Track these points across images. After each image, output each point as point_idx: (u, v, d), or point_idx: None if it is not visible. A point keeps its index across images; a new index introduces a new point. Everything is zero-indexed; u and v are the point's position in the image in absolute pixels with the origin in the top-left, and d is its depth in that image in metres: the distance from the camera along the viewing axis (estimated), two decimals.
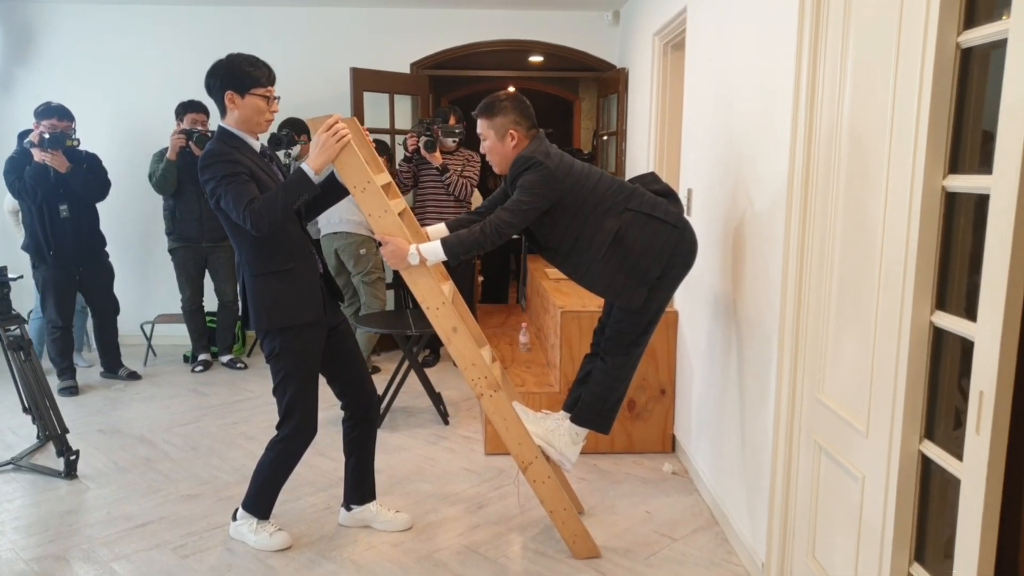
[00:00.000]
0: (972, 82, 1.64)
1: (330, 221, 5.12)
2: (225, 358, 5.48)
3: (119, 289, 5.24)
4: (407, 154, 5.14)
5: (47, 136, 4.53)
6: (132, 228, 5.96)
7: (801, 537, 2.41)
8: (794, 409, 2.43)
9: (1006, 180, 1.41)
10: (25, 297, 5.55)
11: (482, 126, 2.83)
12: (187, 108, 5.08)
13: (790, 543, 2.49)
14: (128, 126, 5.90)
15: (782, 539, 2.51)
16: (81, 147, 4.75)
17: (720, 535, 3.06)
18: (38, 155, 4.55)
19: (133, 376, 5.18)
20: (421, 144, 4.98)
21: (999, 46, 1.52)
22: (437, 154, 5.01)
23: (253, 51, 2.79)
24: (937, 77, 1.66)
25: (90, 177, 4.75)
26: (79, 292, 5.00)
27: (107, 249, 5.07)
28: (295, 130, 5.11)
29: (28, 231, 4.77)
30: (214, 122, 4.64)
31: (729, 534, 3.02)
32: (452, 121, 5.19)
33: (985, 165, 1.57)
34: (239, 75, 2.69)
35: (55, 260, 4.74)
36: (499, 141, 2.81)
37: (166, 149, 5.07)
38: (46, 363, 4.93)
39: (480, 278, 6.79)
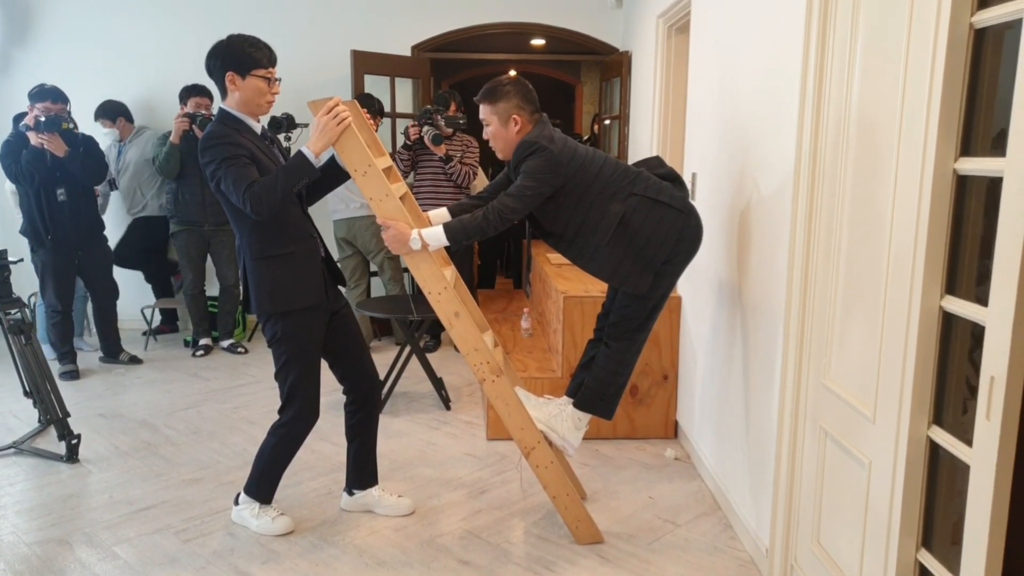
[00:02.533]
0: (985, 63, 1.61)
1: (349, 206, 5.14)
2: (226, 343, 5.47)
3: (120, 273, 5.22)
4: (407, 142, 5.11)
5: (42, 119, 4.48)
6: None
7: (805, 523, 2.40)
8: (799, 394, 2.41)
9: (1020, 162, 1.39)
10: (24, 281, 5.53)
11: (485, 111, 2.80)
12: (191, 92, 5.04)
13: (794, 529, 2.48)
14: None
15: (786, 525, 2.50)
16: (77, 129, 4.70)
17: (723, 521, 3.06)
18: (35, 139, 4.51)
19: (134, 360, 5.18)
20: (428, 138, 4.94)
21: (1013, 26, 1.49)
22: (442, 146, 5.00)
23: (254, 32, 2.76)
24: (950, 58, 1.63)
25: (87, 161, 4.71)
26: (78, 276, 4.98)
27: (105, 233, 5.05)
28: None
29: (26, 215, 4.74)
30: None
31: (732, 520, 3.01)
32: (452, 108, 5.16)
33: (998, 148, 1.54)
34: (240, 56, 2.66)
35: (53, 244, 4.71)
36: (502, 126, 2.78)
37: (170, 132, 5.04)
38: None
39: (477, 262, 6.78)
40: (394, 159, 5.04)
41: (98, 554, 2.81)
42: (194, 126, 4.91)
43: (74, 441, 3.60)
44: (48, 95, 4.60)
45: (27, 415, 4.10)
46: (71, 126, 4.59)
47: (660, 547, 2.86)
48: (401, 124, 5.86)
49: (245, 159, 2.60)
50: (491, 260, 7.42)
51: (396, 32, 5.84)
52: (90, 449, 3.74)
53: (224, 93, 2.72)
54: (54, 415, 3.64)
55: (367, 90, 5.54)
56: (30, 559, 2.77)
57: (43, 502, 3.21)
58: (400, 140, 5.78)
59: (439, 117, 4.99)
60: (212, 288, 5.56)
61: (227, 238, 5.25)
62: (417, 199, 5.07)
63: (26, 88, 4.78)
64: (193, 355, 5.39)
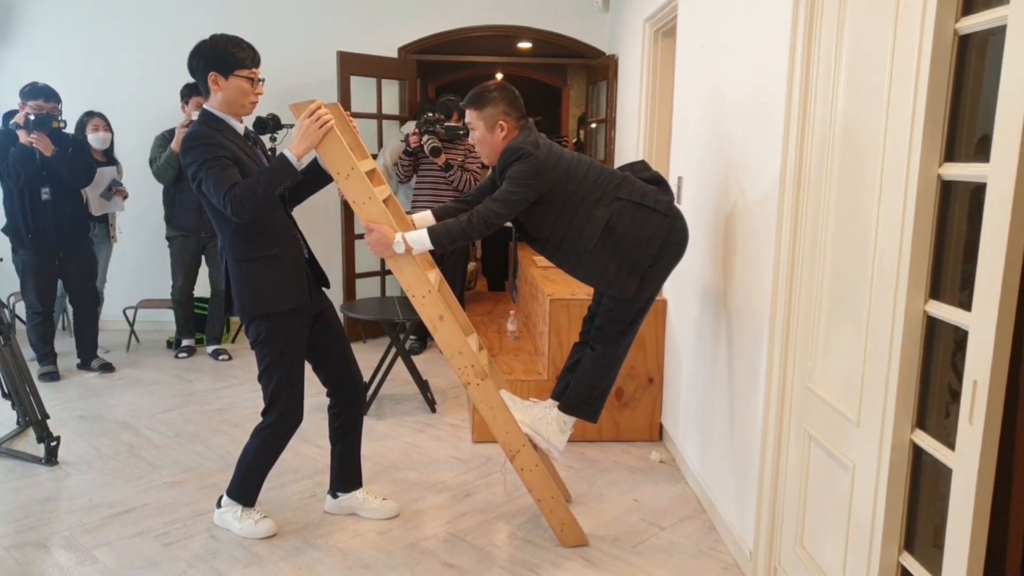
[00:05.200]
0: (969, 69, 1.62)
1: None
2: (210, 348, 5.40)
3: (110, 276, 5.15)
4: (408, 148, 5.10)
5: (32, 117, 4.43)
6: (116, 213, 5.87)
7: (789, 526, 2.41)
8: (784, 398, 2.42)
9: (1004, 168, 1.40)
10: (5, 281, 5.46)
11: (471, 117, 2.81)
12: (192, 91, 4.96)
13: (778, 532, 2.49)
14: (111, 108, 5.80)
15: (770, 528, 2.51)
16: (67, 130, 4.66)
17: (708, 524, 3.06)
18: (24, 137, 4.46)
19: (106, 368, 5.01)
20: (427, 149, 4.94)
21: (997, 32, 1.50)
22: (443, 155, 4.99)
23: (238, 32, 2.74)
24: (934, 64, 1.64)
25: (75, 161, 4.64)
26: (60, 279, 4.91)
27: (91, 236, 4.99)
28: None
29: (8, 214, 4.68)
30: None
31: (717, 523, 3.02)
32: (455, 118, 5.16)
33: (982, 153, 1.55)
34: (223, 56, 2.64)
35: (34, 243, 4.65)
36: (488, 132, 2.78)
37: (168, 132, 4.99)
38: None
39: (472, 264, 6.77)
40: (397, 166, 5.10)
41: (77, 558, 2.77)
42: None
43: (53, 443, 3.56)
44: (40, 93, 4.54)
45: (5, 417, 4.03)
46: (61, 125, 4.54)
47: (645, 550, 2.86)
48: (388, 125, 5.85)
49: (227, 160, 2.58)
50: (496, 262, 7.33)
51: (383, 33, 5.83)
52: (70, 451, 3.69)
53: (207, 93, 2.69)
54: (33, 417, 3.59)
55: (352, 92, 5.52)
56: (7, 563, 2.72)
57: (20, 505, 3.16)
58: (387, 142, 5.77)
59: (442, 130, 4.98)
60: (202, 290, 5.51)
61: None
62: (416, 204, 5.10)
63: (7, 87, 4.73)
64: (175, 356, 5.34)
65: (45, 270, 4.75)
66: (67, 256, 4.83)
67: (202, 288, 5.45)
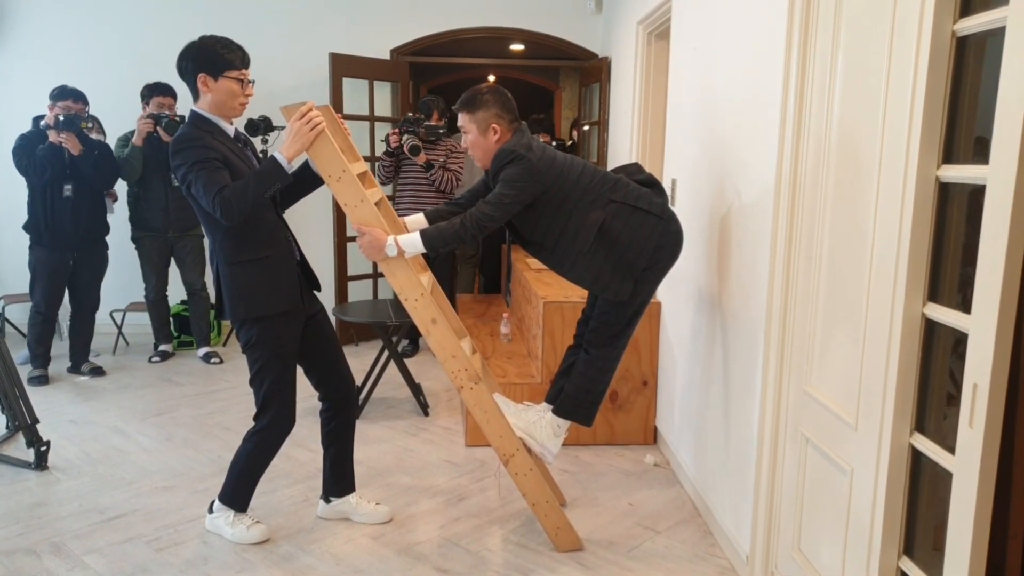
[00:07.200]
0: (967, 71, 1.62)
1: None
2: (201, 351, 5.36)
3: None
4: (389, 149, 5.08)
5: (62, 118, 4.53)
6: None
7: (786, 530, 2.40)
8: (780, 401, 2.41)
9: (1003, 170, 1.39)
10: (8, 277, 5.42)
11: (463, 120, 2.79)
12: (153, 91, 4.93)
13: (775, 536, 2.47)
14: (101, 110, 5.75)
15: (767, 532, 2.50)
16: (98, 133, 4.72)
17: (703, 527, 3.05)
18: (53, 136, 4.53)
19: (96, 372, 4.98)
20: (407, 148, 4.92)
21: (995, 34, 1.49)
22: (422, 154, 4.97)
23: (229, 34, 2.71)
24: (932, 65, 1.63)
25: (100, 161, 4.70)
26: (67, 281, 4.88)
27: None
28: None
29: (29, 210, 4.71)
30: (182, 106, 4.60)
31: (712, 527, 3.00)
32: (435, 116, 5.13)
33: (980, 155, 1.54)
34: (212, 57, 2.61)
35: (50, 240, 4.67)
36: (481, 135, 2.77)
37: (131, 133, 4.96)
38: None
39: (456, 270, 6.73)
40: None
41: (67, 564, 2.74)
42: (159, 128, 4.83)
43: (43, 448, 3.52)
44: (69, 95, 4.64)
45: None
46: (89, 125, 4.62)
47: (640, 554, 2.85)
48: (380, 128, 5.83)
49: (217, 162, 2.56)
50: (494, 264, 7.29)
51: (375, 35, 5.80)
52: (59, 456, 3.65)
53: (196, 95, 2.67)
54: (22, 421, 3.55)
55: (344, 93, 5.50)
56: None
57: (10, 510, 3.12)
58: (379, 144, 5.75)
59: (422, 130, 4.96)
60: (179, 294, 5.47)
61: (192, 243, 5.17)
62: (398, 205, 5.07)
63: None
64: (149, 360, 5.28)
65: (57, 270, 4.75)
66: (81, 257, 4.83)
67: (180, 292, 5.40)
